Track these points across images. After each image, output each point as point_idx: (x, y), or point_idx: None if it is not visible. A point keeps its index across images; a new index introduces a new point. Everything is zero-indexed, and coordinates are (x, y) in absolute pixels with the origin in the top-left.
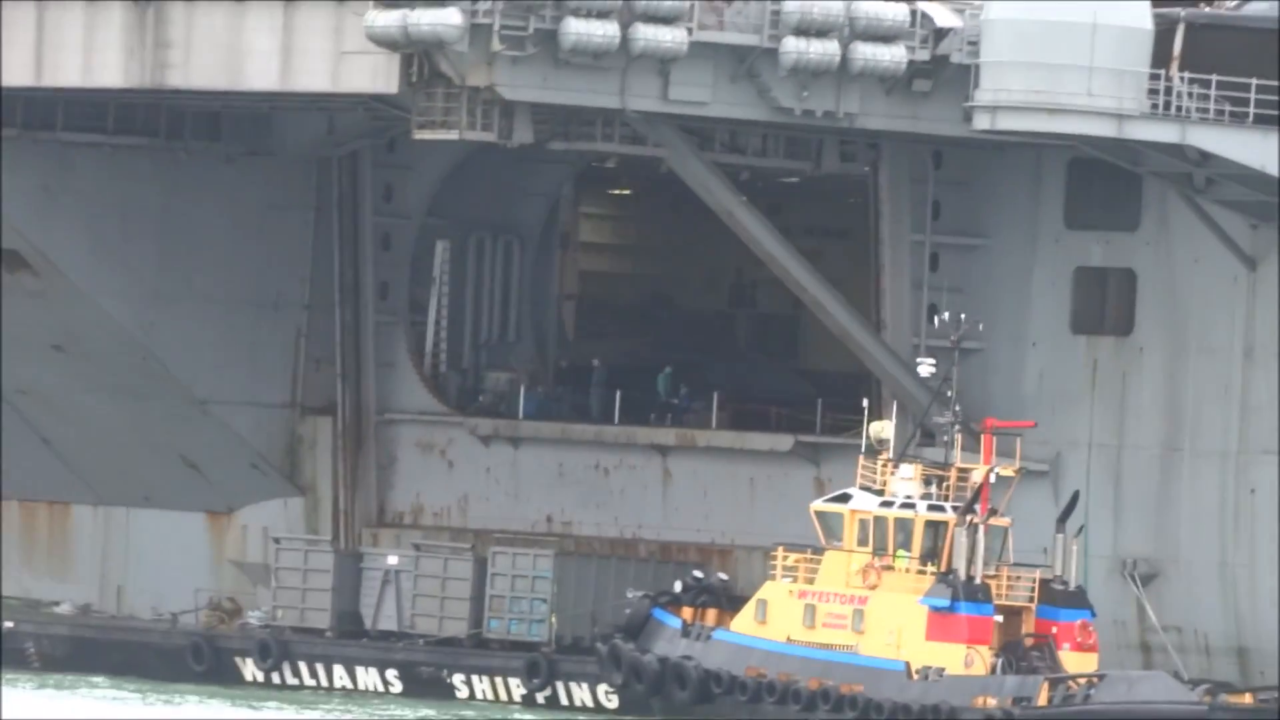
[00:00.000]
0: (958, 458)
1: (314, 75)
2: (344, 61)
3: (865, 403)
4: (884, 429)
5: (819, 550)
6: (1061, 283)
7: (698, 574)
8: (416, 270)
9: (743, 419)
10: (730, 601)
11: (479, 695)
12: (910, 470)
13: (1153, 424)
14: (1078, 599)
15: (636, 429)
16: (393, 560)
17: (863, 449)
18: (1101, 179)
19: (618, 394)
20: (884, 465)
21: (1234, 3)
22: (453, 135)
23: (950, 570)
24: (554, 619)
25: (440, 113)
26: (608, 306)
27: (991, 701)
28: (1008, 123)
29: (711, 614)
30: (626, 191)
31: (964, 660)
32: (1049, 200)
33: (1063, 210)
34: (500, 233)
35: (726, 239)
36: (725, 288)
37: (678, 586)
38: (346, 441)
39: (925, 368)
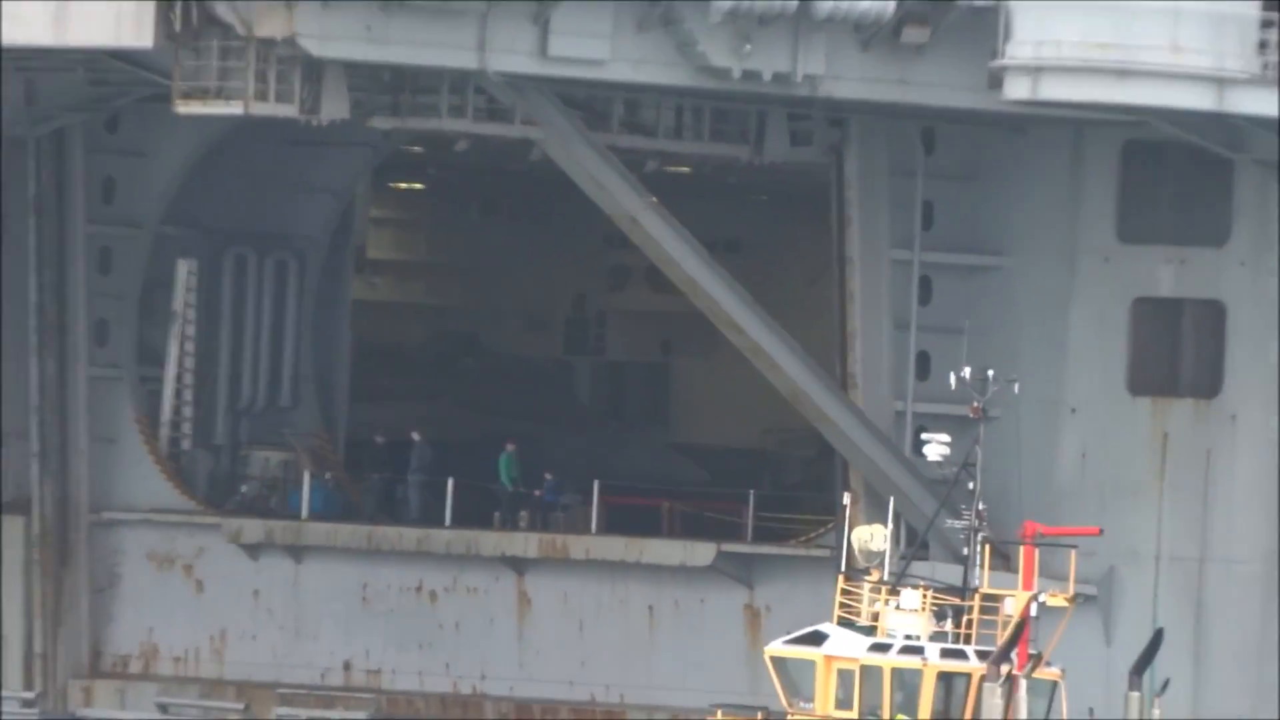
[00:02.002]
0: (984, 579)
1: (28, 24)
2: (73, 6)
3: (846, 498)
4: (874, 537)
5: (774, 717)
6: (1114, 321)
7: None
8: (149, 303)
9: (631, 518)
10: None
11: None
12: (915, 598)
13: (1251, 525)
14: None
15: (479, 534)
16: None
17: (841, 565)
18: (1174, 171)
19: (450, 485)
20: (876, 590)
21: None
22: (234, 109)
23: None
24: None
25: (215, 76)
26: (387, 353)
27: None
28: (1056, 89)
29: None
30: (416, 185)
31: None
32: (1095, 200)
33: (1115, 215)
34: (270, 248)
35: (562, 253)
36: (559, 324)
37: None
38: (46, 552)
39: (936, 448)
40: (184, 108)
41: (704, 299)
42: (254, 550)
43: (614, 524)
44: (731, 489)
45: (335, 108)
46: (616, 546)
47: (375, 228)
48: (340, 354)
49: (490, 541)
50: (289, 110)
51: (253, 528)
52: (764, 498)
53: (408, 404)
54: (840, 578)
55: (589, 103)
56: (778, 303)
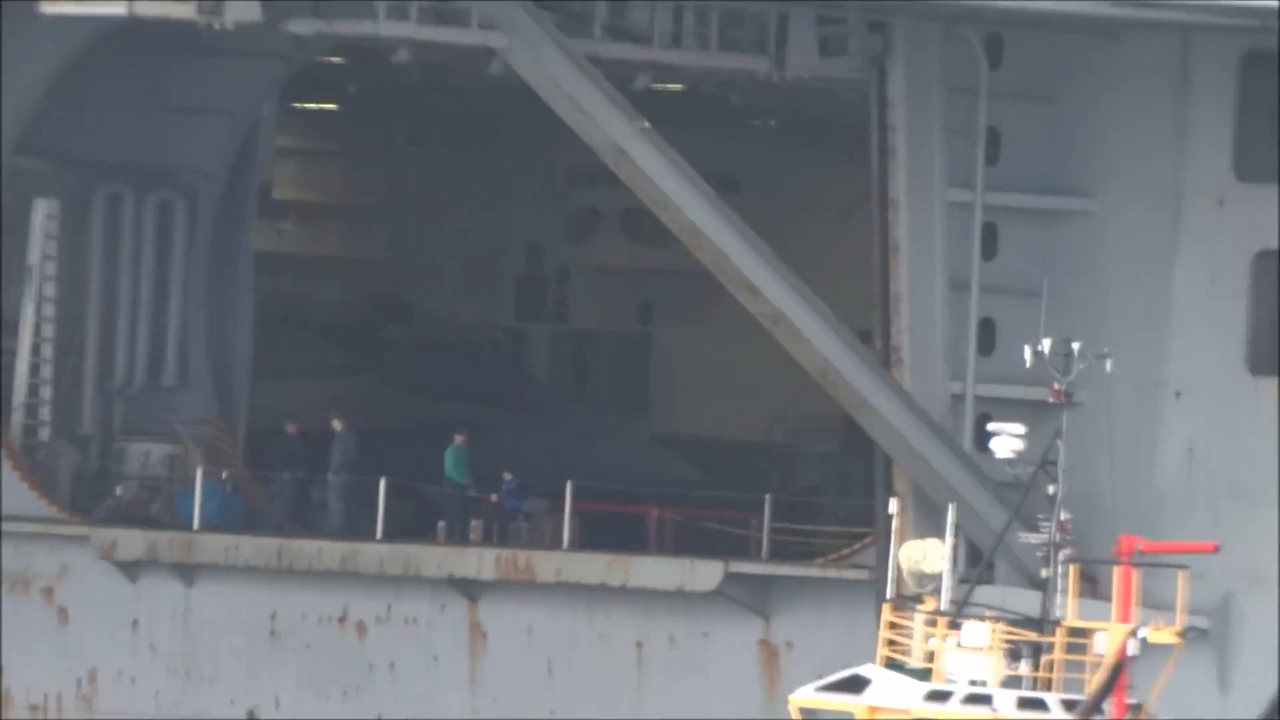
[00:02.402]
0: (1069, 609)
1: None
2: None
3: (892, 505)
4: (928, 555)
5: None
6: (1230, 280)
7: None
8: None
9: (609, 529)
10: None
11: None
12: (981, 633)
13: None
14: None
15: (420, 550)
16: None
17: (886, 591)
18: None
19: (382, 486)
20: (931, 623)
21: None
22: (114, 8)
23: None
24: None
25: None
26: (298, 319)
27: None
28: None
29: None
30: (329, 106)
31: None
32: (1207, 128)
33: (1232, 147)
34: (152, 185)
35: (514, 192)
36: (509, 283)
37: None
38: None
39: (1006, 442)
40: (50, 6)
41: (710, 252)
42: (132, 569)
43: (590, 537)
44: (735, 492)
45: (243, 9)
46: (595, 566)
47: (284, 161)
48: (240, 320)
49: (434, 559)
50: (184, 9)
51: (130, 541)
52: (781, 504)
53: (322, 383)
54: (885, 607)
55: (564, 5)
56: (789, 258)
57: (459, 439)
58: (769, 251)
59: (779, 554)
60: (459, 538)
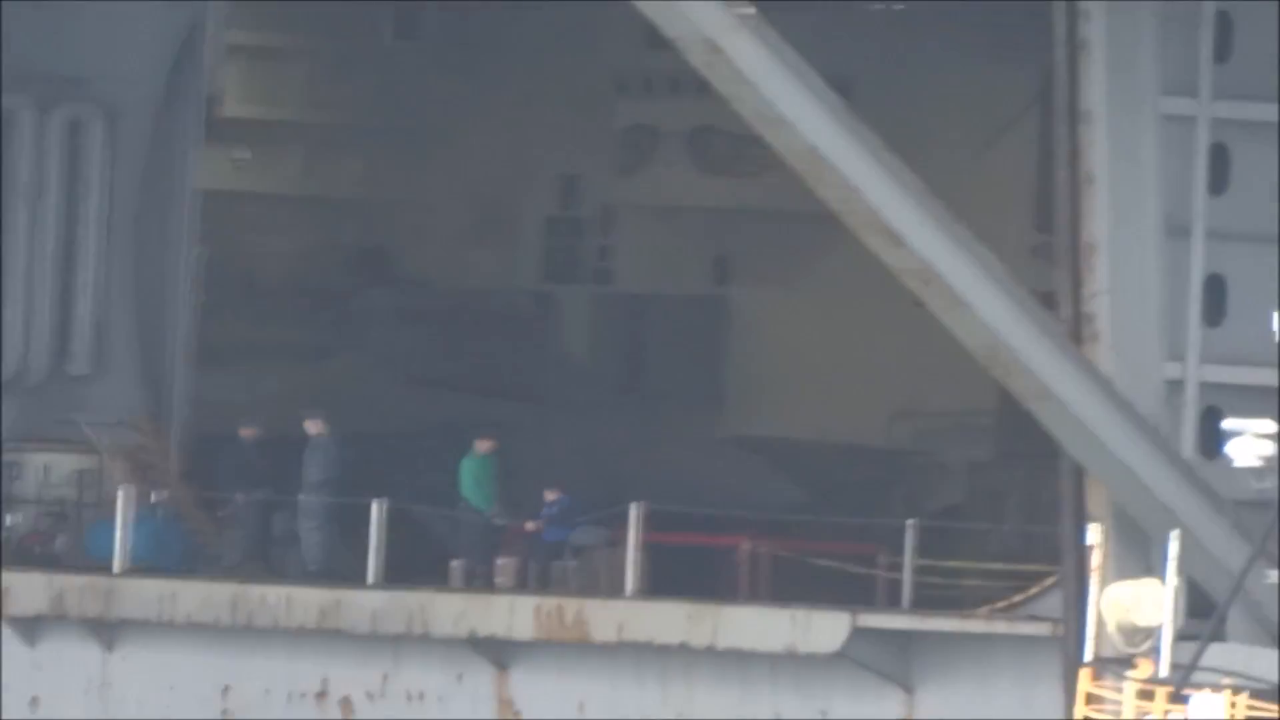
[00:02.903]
0: None
1: None
2: None
3: (1091, 533)
4: (1141, 603)
5: None
6: None
7: None
8: None
9: (681, 568)
10: None
11: None
12: (1216, 706)
13: None
14: None
15: (430, 599)
16: None
17: (1084, 652)
18: None
19: (375, 511)
20: (1147, 694)
21: None
22: None
23: None
24: None
25: None
26: (249, 283)
27: None
28: None
29: None
30: None
31: None
32: None
33: None
34: (60, 99)
35: (540, 105)
36: (533, 231)
37: None
38: None
39: (1248, 444)
40: None
41: (837, 187)
42: (29, 628)
43: (659, 580)
44: (847, 515)
45: None
46: (673, 620)
47: (236, 65)
48: (179, 284)
49: (448, 612)
50: None
51: (26, 589)
52: (924, 533)
53: (283, 369)
54: (1081, 673)
55: None
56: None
57: (482, 446)
58: (919, 185)
59: (921, 602)
60: (482, 581)
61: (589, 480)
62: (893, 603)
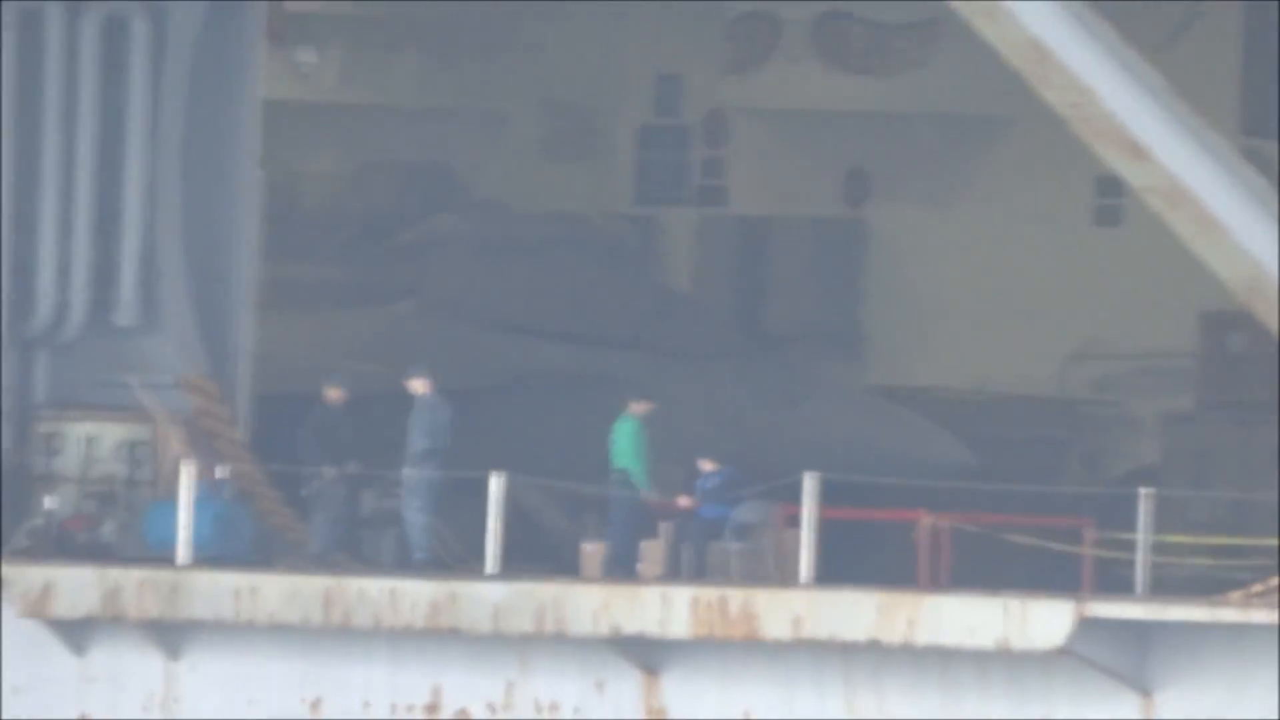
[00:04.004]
0: None
1: None
2: None
3: None
4: None
5: None
6: None
7: None
8: None
9: (848, 546)
10: None
11: None
12: None
13: None
14: None
15: (563, 591)
16: None
17: None
18: None
19: (493, 488)
20: None
21: None
22: None
23: None
24: None
25: None
26: (308, 218)
27: None
28: None
29: None
30: None
31: None
32: None
33: None
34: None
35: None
36: (624, 142)
37: None
38: None
39: None
40: None
41: (1066, 88)
42: (79, 632)
43: (830, 563)
44: (1025, 482)
45: None
46: (861, 611)
47: None
48: (241, 215)
49: (587, 605)
50: None
51: (74, 585)
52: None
53: (343, 315)
54: None
55: None
56: None
57: (638, 408)
58: (1166, 86)
59: (1123, 585)
60: (621, 570)
61: (715, 443)
62: (1107, 587)
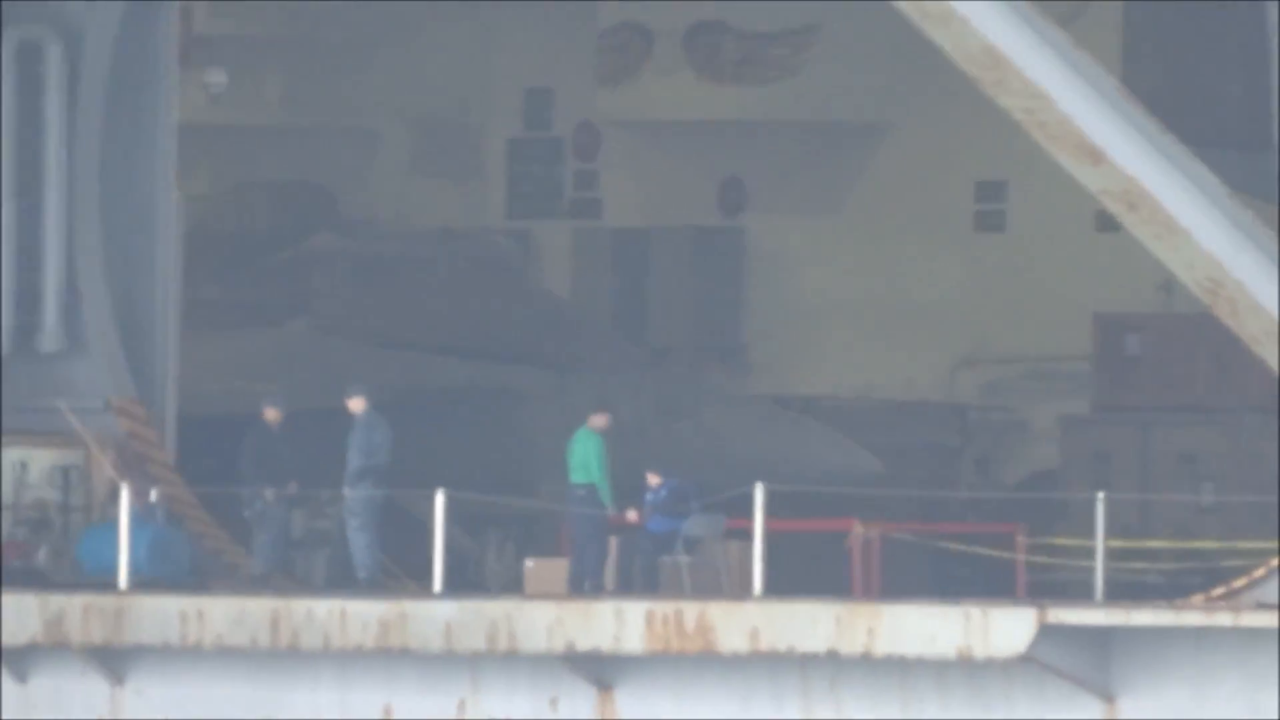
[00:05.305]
0: None
1: None
2: None
3: None
4: None
5: None
6: None
7: None
8: None
9: (788, 557)
10: None
11: None
12: None
13: None
14: None
15: (516, 608)
16: None
17: None
18: None
19: (437, 503)
20: None
21: None
22: None
23: None
24: None
25: None
26: (186, 241)
27: None
28: None
29: None
30: None
31: None
32: None
33: None
34: (13, 17)
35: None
36: (495, 156)
37: None
38: None
39: None
40: None
41: (1020, 93)
42: (22, 660)
43: (776, 575)
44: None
45: None
46: (818, 622)
47: None
48: (161, 234)
49: (539, 621)
50: None
51: (18, 613)
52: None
53: (227, 335)
54: None
55: None
56: None
57: (597, 421)
58: (1119, 89)
59: (1046, 589)
60: (584, 583)
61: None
62: (1040, 593)
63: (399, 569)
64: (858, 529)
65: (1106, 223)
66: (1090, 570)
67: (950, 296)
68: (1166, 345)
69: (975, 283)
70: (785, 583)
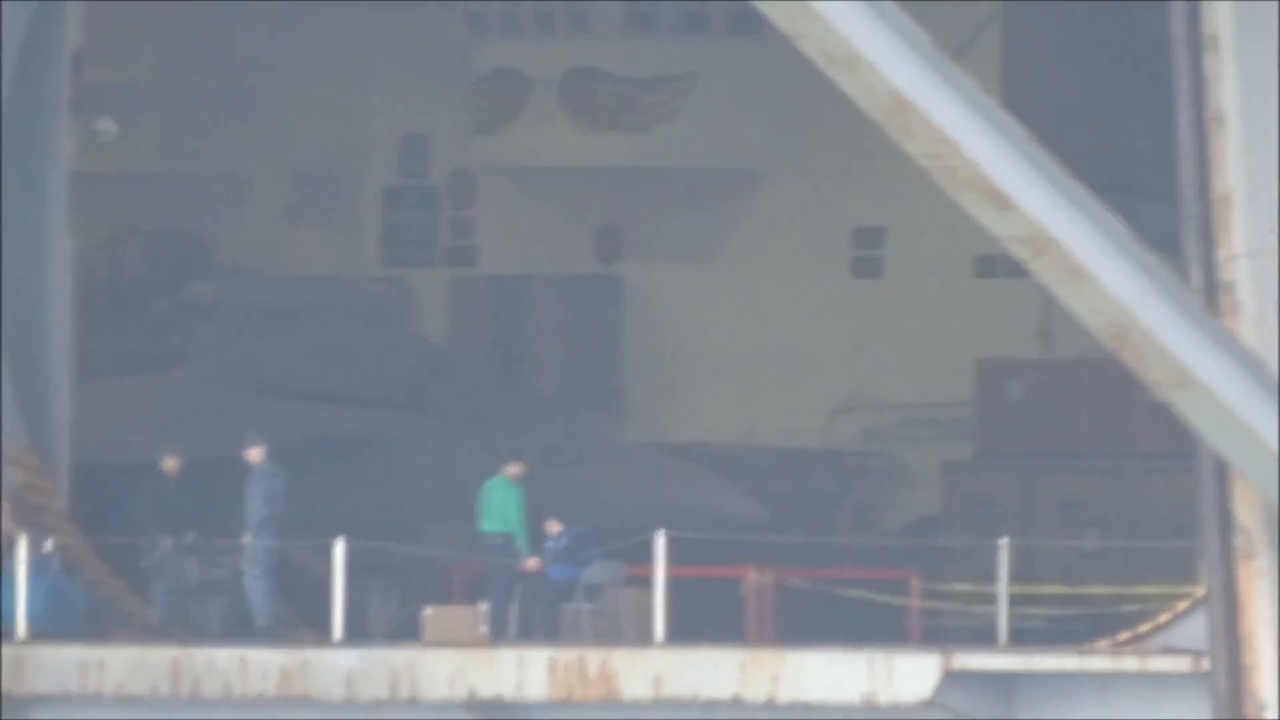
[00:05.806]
0: None
1: None
2: None
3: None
4: None
5: None
6: None
7: None
8: None
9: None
10: None
11: None
12: None
13: None
14: None
15: (419, 656)
16: None
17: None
18: None
19: (338, 552)
20: None
21: None
22: None
23: None
24: None
25: None
26: (90, 286)
27: None
28: None
29: None
30: None
31: None
32: None
33: None
34: None
35: (374, 46)
36: (370, 204)
37: None
38: None
39: None
40: None
41: (927, 139)
42: None
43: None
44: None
45: None
46: (721, 669)
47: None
48: (53, 284)
49: (442, 669)
50: None
51: None
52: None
53: (141, 383)
54: None
55: None
56: None
57: (512, 470)
58: (1025, 135)
59: (947, 635)
60: (495, 632)
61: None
62: (935, 638)
63: (297, 618)
64: (753, 575)
65: (986, 268)
66: (982, 616)
67: (828, 342)
68: (1047, 391)
69: (853, 329)
70: (683, 629)
